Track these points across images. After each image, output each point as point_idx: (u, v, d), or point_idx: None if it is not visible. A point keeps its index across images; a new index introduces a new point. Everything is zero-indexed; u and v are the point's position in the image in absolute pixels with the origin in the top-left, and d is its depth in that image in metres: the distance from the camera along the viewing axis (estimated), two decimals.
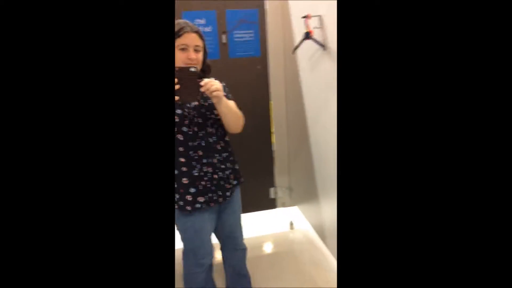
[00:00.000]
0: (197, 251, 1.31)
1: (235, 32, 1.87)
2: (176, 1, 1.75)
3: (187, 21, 1.16)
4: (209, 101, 1.19)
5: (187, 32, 1.10)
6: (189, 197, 1.20)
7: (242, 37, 1.88)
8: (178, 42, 1.10)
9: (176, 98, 1.00)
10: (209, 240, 1.33)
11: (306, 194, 1.95)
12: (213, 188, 1.24)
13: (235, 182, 1.31)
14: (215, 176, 1.23)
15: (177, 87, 0.99)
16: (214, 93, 1.05)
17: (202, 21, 1.81)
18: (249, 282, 1.53)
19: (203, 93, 1.06)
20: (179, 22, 1.14)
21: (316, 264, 1.86)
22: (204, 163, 1.21)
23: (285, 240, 2.16)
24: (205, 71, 1.23)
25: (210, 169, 1.22)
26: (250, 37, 1.89)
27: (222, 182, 1.26)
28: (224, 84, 1.30)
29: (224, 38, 1.86)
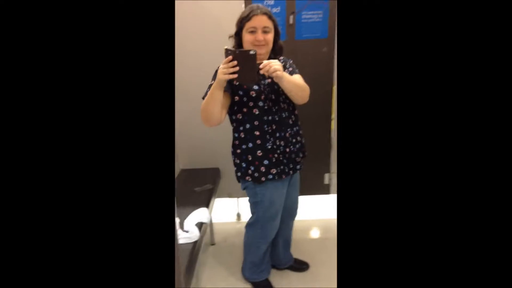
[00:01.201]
0: (267, 222, 1.40)
1: (303, 12, 1.84)
2: None
3: (259, 4, 1.21)
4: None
5: (256, 14, 1.15)
6: (262, 169, 1.29)
7: (310, 18, 1.84)
8: (248, 25, 1.17)
9: (233, 77, 1.05)
10: (280, 213, 1.42)
11: None
12: (285, 161, 1.31)
13: (302, 155, 1.39)
14: (287, 149, 1.30)
15: (236, 69, 1.04)
16: (274, 74, 1.09)
17: (271, 2, 1.82)
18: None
19: (262, 74, 1.09)
20: (251, 6, 1.19)
21: None
22: (277, 136, 1.28)
23: (336, 227, 2.14)
24: (276, 52, 1.27)
25: (282, 143, 1.29)
26: (318, 17, 1.84)
27: (293, 155, 1.33)
28: (291, 61, 1.33)
29: (291, 19, 1.85)
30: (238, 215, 2.28)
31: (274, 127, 1.26)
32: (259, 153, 1.27)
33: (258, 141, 1.26)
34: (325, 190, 2.23)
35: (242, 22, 1.18)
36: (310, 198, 2.27)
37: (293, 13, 1.84)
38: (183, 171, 2.08)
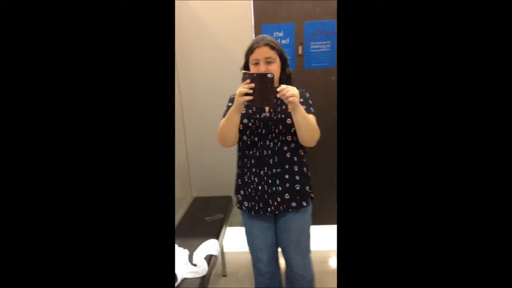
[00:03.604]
0: (251, 252, 1.39)
1: (312, 43, 1.87)
2: (256, 15, 1.85)
3: (265, 35, 1.23)
4: (279, 115, 1.23)
5: (258, 46, 1.18)
6: (239, 197, 1.33)
7: (318, 48, 1.88)
8: (251, 57, 1.20)
9: (249, 98, 1.07)
10: (262, 247, 1.35)
11: None
12: (256, 197, 1.28)
13: (288, 201, 1.25)
14: (259, 187, 1.27)
15: (252, 91, 1.07)
16: (290, 99, 1.07)
17: (280, 34, 1.87)
18: None
19: (278, 99, 1.10)
20: (256, 38, 1.23)
21: None
22: (253, 172, 1.27)
23: None
24: (283, 80, 1.25)
25: (256, 179, 1.26)
26: (326, 47, 1.87)
27: (266, 196, 1.26)
28: (308, 94, 1.30)
29: (300, 50, 1.89)
30: None
31: (252, 162, 1.26)
32: (239, 181, 1.32)
33: (239, 171, 1.32)
34: (332, 220, 2.17)
35: (247, 55, 1.22)
36: (323, 228, 2.21)
37: (301, 44, 1.88)
38: (196, 199, 2.09)
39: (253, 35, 1.86)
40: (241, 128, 1.24)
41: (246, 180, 1.29)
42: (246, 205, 1.30)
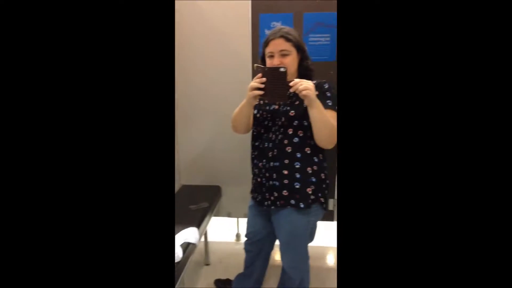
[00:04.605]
0: (247, 236, 1.45)
1: (311, 35, 1.82)
2: (253, 4, 1.81)
3: (283, 26, 1.20)
4: (285, 108, 1.18)
5: (273, 39, 1.14)
6: (252, 187, 1.35)
7: (317, 41, 1.83)
8: (266, 50, 1.17)
9: (260, 93, 1.05)
10: (250, 228, 1.40)
11: None
12: (258, 189, 1.29)
13: (286, 198, 1.19)
14: (258, 179, 1.27)
15: (264, 86, 1.04)
16: (303, 93, 1.02)
17: (278, 24, 1.82)
18: None
19: (291, 93, 1.07)
20: (273, 29, 1.19)
21: None
22: (255, 163, 1.28)
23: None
24: (301, 73, 1.19)
25: (256, 171, 1.28)
26: (326, 40, 1.82)
27: (263, 189, 1.26)
28: (325, 84, 1.18)
29: None
30: (238, 236, 2.23)
31: (256, 153, 1.27)
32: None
33: (251, 161, 1.32)
34: (329, 217, 2.14)
35: (263, 47, 1.19)
36: (321, 224, 2.18)
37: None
38: (184, 186, 2.08)
39: (250, 24, 1.82)
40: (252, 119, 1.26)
41: (253, 170, 1.31)
42: (253, 194, 1.34)
